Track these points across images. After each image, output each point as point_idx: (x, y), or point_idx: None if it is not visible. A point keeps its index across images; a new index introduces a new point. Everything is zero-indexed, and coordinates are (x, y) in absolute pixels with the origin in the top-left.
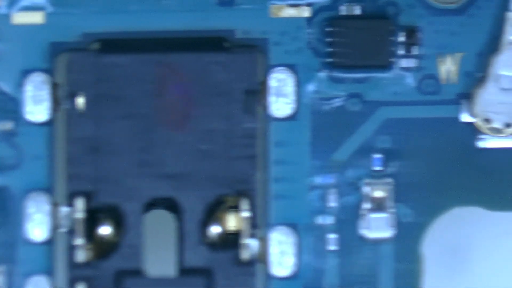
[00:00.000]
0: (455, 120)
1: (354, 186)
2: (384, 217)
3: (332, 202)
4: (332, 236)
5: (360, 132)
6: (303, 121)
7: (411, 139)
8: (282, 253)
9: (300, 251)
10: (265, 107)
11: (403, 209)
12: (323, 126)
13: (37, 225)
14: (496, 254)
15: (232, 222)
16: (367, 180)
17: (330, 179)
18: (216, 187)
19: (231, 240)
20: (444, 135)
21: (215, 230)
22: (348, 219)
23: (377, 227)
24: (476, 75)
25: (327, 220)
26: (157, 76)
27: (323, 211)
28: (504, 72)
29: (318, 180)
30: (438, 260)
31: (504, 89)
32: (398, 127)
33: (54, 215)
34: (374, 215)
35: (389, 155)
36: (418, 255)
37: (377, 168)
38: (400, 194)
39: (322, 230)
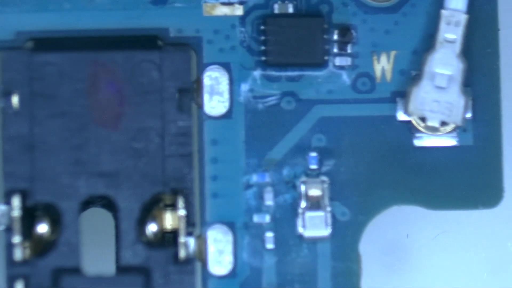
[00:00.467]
0: (391, 118)
1: (290, 185)
2: (320, 215)
3: (268, 200)
4: (269, 234)
5: (295, 130)
6: (238, 119)
7: (347, 137)
8: (219, 252)
9: (237, 250)
10: (199, 105)
11: (340, 208)
12: (258, 125)
13: None
14: (434, 253)
15: (168, 220)
16: (303, 179)
17: (265, 178)
18: (152, 186)
19: (168, 239)
20: (380, 134)
21: (152, 228)
22: (285, 217)
23: (314, 225)
24: (411, 73)
25: (264, 218)
26: (90, 75)
27: (259, 209)
28: (439, 70)
29: (254, 178)
30: (377, 259)
31: (439, 87)
32: (333, 126)
33: None
34: (311, 214)
35: (325, 154)
36: (356, 254)
37: (313, 167)
38: (337, 193)
39: (259, 229)
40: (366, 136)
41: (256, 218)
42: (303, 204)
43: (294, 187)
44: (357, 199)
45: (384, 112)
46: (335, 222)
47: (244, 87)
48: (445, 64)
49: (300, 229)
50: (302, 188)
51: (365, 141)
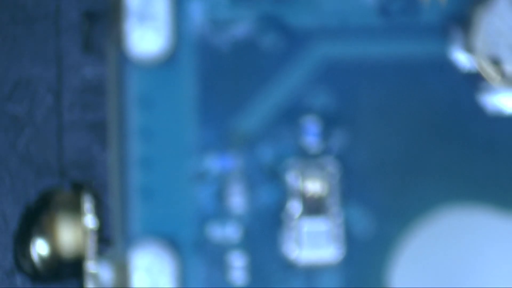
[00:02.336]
0: (443, 62)
1: (271, 175)
2: (323, 226)
3: (237, 201)
4: (237, 259)
5: (281, 83)
6: (185, 64)
7: (368, 95)
8: None
9: (183, 283)
10: (119, 41)
11: (357, 214)
12: (219, 74)
13: None
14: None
15: (67, 235)
16: (293, 165)
17: (231, 163)
18: (40, 177)
19: (66, 267)
20: (424, 89)
21: (39, 249)
22: (264, 230)
23: (314, 243)
24: None
25: (228, 231)
26: None
27: (221, 216)
28: None
29: (212, 164)
30: None
31: None
32: (345, 75)
33: None
34: (308, 224)
35: (331, 123)
36: None
37: (311, 144)
38: (352, 188)
39: (220, 249)
40: (400, 93)
41: (215, 231)
42: (295, 207)
43: (279, 179)
44: (386, 199)
45: (431, 51)
46: (349, 238)
47: (196, 8)
48: None
49: (290, 249)
50: (293, 180)
51: (398, 101)
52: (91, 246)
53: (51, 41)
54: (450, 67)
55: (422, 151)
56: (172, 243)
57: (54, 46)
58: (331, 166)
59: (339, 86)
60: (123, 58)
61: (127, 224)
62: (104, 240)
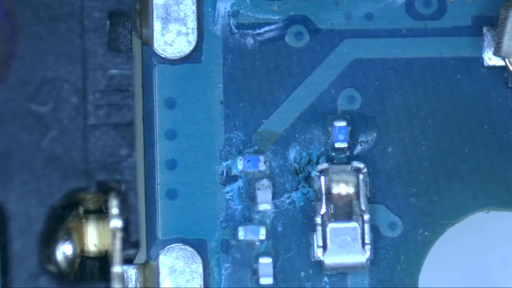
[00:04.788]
0: (474, 62)
1: (300, 176)
2: (352, 228)
3: (264, 203)
4: (265, 261)
5: (310, 83)
6: (211, 64)
7: (398, 95)
8: None
9: (210, 286)
10: (145, 40)
11: (387, 216)
12: (246, 74)
13: None
14: None
15: (93, 237)
16: (322, 166)
17: (258, 165)
18: (65, 178)
19: (92, 268)
20: (456, 89)
21: (65, 250)
22: (292, 232)
23: (342, 246)
24: None
25: (256, 233)
26: None
27: (248, 218)
28: None
29: (238, 165)
30: None
31: None
32: (375, 75)
33: None
34: (336, 226)
35: (361, 123)
36: None
37: (340, 145)
38: (381, 190)
39: (248, 251)
40: (429, 93)
41: (242, 233)
42: (323, 209)
43: (308, 180)
44: (416, 201)
45: (462, 51)
46: (378, 240)
47: (223, 8)
48: None
49: (318, 252)
50: (322, 181)
51: (427, 102)
52: (117, 248)
53: (76, 41)
54: (479, 67)
55: (452, 153)
56: (199, 246)
57: (79, 45)
58: (359, 169)
59: (367, 87)
60: (150, 57)
61: (154, 227)
62: (131, 242)
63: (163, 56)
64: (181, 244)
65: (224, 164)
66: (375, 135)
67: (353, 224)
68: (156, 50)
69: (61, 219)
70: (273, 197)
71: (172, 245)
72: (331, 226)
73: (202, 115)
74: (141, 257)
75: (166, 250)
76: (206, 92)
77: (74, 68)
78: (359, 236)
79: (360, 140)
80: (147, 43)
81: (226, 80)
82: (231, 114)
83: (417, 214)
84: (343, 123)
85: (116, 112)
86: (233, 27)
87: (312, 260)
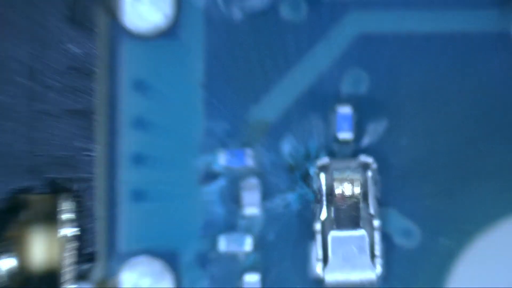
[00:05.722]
0: (502, 38)
1: (297, 174)
2: (359, 237)
3: (251, 206)
4: (252, 278)
5: (307, 63)
6: (190, 40)
7: (410, 77)
8: None
9: None
10: (112, 13)
11: (400, 221)
12: (229, 51)
13: None
14: None
15: (40, 249)
16: (322, 162)
17: (245, 159)
18: (7, 176)
19: (38, 286)
20: (479, 70)
21: (6, 263)
22: (286, 242)
23: (346, 258)
24: None
25: (241, 244)
26: None
27: (232, 224)
28: None
29: (221, 160)
30: None
31: None
32: (383, 53)
33: None
34: (339, 234)
35: (367, 110)
36: None
37: (343, 136)
38: (394, 191)
39: (232, 266)
40: (449, 75)
41: (224, 244)
42: (323, 214)
43: (305, 179)
44: (436, 204)
45: (489, 26)
46: (391, 252)
47: None
48: None
49: (317, 267)
50: (322, 180)
51: (450, 85)
52: (68, 262)
53: (28, 11)
54: (509, 44)
55: (477, 146)
56: (171, 259)
57: (31, 17)
58: (368, 165)
59: (377, 67)
60: (118, 32)
61: (115, 236)
62: (86, 254)
63: (133, 31)
64: (148, 257)
65: (204, 159)
66: (385, 124)
67: (360, 232)
68: (125, 24)
69: (3, 226)
70: (263, 199)
71: (137, 259)
72: (333, 234)
73: (178, 101)
74: (98, 273)
75: (129, 265)
76: (184, 73)
77: (23, 42)
78: (367, 247)
79: (367, 132)
80: (115, 16)
81: (208, 59)
82: (213, 100)
83: (438, 220)
84: (347, 110)
85: (73, 96)
86: None
87: (310, 276)
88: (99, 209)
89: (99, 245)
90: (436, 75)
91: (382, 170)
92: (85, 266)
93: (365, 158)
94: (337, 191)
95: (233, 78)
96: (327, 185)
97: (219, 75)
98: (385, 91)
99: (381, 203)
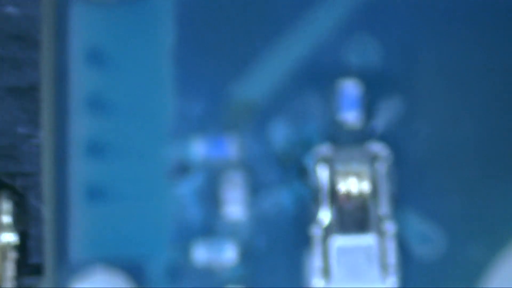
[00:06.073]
0: None
1: (288, 167)
2: (368, 246)
3: (236, 207)
4: None
5: (301, 28)
6: (157, 1)
7: (427, 50)
8: None
9: None
10: None
11: (416, 226)
12: (206, 15)
13: None
14: None
15: None
16: (321, 151)
17: (223, 150)
18: None
19: None
20: (509, 44)
21: None
22: (280, 251)
23: (350, 270)
24: None
25: (221, 252)
26: None
27: (206, 229)
28: None
29: (196, 151)
30: None
31: None
32: (400, 16)
33: None
34: (342, 241)
35: (376, 88)
36: None
37: (349, 119)
38: (411, 188)
39: (211, 278)
40: (483, 45)
41: (202, 252)
42: (323, 216)
43: (300, 173)
44: (464, 204)
45: None
46: (408, 263)
47: None
48: None
49: (316, 281)
50: (322, 174)
51: (481, 58)
52: (9, 274)
53: None
54: None
55: (508, 136)
56: (136, 270)
57: None
58: (378, 155)
59: (390, 33)
60: None
61: (66, 243)
62: (30, 265)
63: None
64: (106, 269)
65: (175, 148)
66: (401, 104)
67: (369, 239)
68: None
69: None
70: (249, 198)
71: (93, 270)
72: (336, 241)
73: (143, 76)
74: (45, 287)
75: (83, 278)
76: (150, 42)
77: None
78: (378, 257)
79: (376, 115)
80: None
81: (180, 24)
82: (187, 75)
83: (466, 223)
84: (353, 87)
85: (13, 70)
86: None
87: None
88: (46, 210)
89: (47, 254)
90: (464, 45)
91: (397, 161)
92: (30, 280)
93: (375, 147)
94: (341, 188)
95: (210, 48)
96: (328, 181)
97: (194, 44)
98: (400, 63)
99: (396, 202)
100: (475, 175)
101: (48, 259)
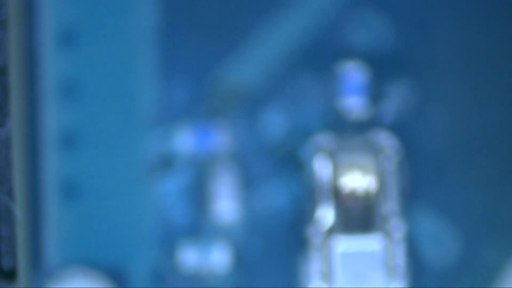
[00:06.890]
0: None
1: (284, 160)
2: (373, 249)
3: (225, 204)
4: None
5: (299, 4)
6: None
7: (441, 31)
8: None
9: None
10: None
11: (428, 227)
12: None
13: None
14: None
15: None
16: (321, 142)
17: (211, 140)
18: None
19: None
20: None
21: None
22: (270, 251)
23: (354, 274)
24: None
25: (209, 255)
26: None
27: (193, 230)
28: None
29: (180, 141)
30: None
31: None
32: None
33: None
34: (345, 244)
35: (383, 71)
36: None
37: (352, 105)
38: (422, 184)
39: (195, 284)
40: (503, 27)
41: (188, 256)
42: (324, 216)
43: (297, 166)
44: (480, 203)
45: None
46: (419, 267)
47: None
48: None
49: (314, 285)
50: (322, 168)
51: (500, 41)
52: None
53: None
54: None
55: None
56: (116, 275)
57: None
58: (385, 146)
59: (400, 10)
60: None
61: (42, 245)
62: (2, 269)
63: None
64: (85, 272)
65: (157, 138)
66: (412, 90)
67: (375, 240)
68: None
69: None
70: (240, 195)
71: (71, 274)
72: (338, 243)
73: (122, 59)
74: None
75: (60, 281)
76: (129, 21)
77: None
78: (385, 260)
79: (384, 101)
80: None
81: (162, 1)
82: (169, 56)
83: (482, 224)
84: (357, 69)
85: None
86: None
87: None
88: (18, 209)
89: (20, 257)
90: (488, 16)
91: (408, 153)
92: (2, 284)
93: (382, 137)
94: (344, 184)
95: (196, 27)
96: (329, 176)
97: (178, 23)
98: (411, 44)
99: (405, 200)
100: (498, 170)
101: (21, 262)
